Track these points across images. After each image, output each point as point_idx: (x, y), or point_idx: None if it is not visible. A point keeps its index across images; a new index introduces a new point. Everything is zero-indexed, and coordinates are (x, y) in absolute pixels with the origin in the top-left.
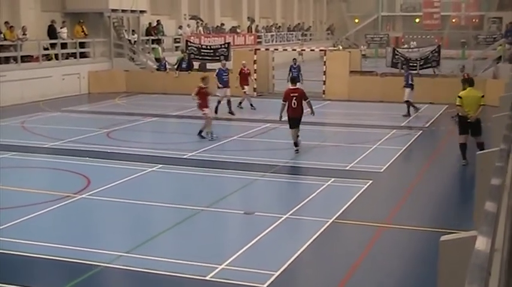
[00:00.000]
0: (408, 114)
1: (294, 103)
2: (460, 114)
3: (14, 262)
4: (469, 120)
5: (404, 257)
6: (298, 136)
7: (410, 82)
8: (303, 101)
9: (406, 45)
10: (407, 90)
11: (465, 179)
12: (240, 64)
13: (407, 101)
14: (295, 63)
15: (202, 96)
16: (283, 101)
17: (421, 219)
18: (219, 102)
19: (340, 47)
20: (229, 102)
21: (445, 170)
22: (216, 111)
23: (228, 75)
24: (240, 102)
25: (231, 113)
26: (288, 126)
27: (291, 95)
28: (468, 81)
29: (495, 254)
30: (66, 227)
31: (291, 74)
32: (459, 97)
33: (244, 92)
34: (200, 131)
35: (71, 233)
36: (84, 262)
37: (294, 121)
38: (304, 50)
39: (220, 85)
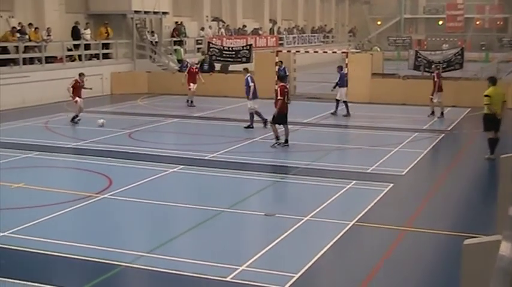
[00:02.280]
0: (348, 114)
1: (287, 98)
2: (489, 112)
3: (36, 260)
4: (499, 118)
5: (426, 261)
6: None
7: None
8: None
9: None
10: (343, 90)
11: (487, 183)
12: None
13: (344, 101)
14: (281, 67)
15: (76, 89)
16: (281, 96)
17: (443, 223)
18: (257, 114)
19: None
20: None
21: (467, 174)
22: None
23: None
24: (187, 100)
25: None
26: (274, 121)
27: (285, 91)
28: (492, 81)
29: None
30: (88, 227)
31: (278, 73)
32: (487, 96)
33: (190, 89)
34: (73, 118)
35: (92, 233)
36: (106, 262)
37: (285, 117)
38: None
39: (246, 95)
